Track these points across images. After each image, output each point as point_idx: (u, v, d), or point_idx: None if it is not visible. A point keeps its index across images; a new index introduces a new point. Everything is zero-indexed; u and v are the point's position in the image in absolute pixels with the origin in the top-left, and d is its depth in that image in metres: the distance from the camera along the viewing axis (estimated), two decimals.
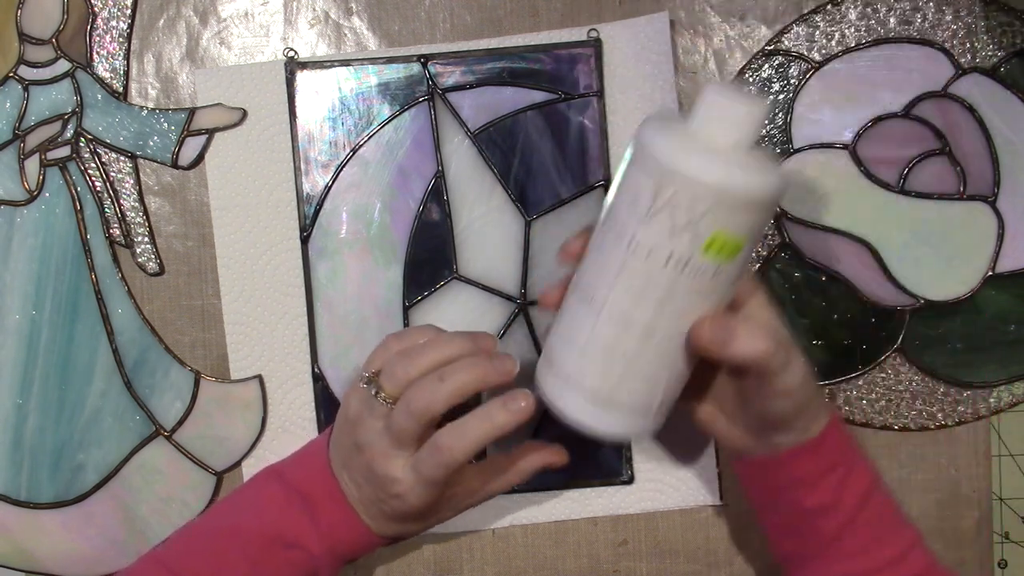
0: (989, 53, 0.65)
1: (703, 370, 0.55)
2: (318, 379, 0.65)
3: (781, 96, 0.65)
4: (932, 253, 0.65)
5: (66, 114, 0.64)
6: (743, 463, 0.58)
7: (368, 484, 0.56)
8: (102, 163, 0.64)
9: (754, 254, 0.65)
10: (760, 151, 0.50)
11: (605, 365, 0.50)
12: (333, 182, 0.64)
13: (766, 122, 0.65)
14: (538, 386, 0.53)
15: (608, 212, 0.50)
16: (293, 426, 0.65)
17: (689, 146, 0.47)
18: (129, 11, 0.64)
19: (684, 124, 0.49)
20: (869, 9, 0.65)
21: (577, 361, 0.51)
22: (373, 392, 0.54)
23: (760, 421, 0.55)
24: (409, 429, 0.53)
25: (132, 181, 0.64)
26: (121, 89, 0.64)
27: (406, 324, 0.65)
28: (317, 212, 0.64)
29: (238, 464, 0.65)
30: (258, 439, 0.65)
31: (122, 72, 0.64)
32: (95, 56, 0.64)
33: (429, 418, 0.53)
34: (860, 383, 0.66)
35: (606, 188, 0.64)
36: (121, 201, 0.64)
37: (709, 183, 0.46)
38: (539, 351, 0.61)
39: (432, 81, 0.64)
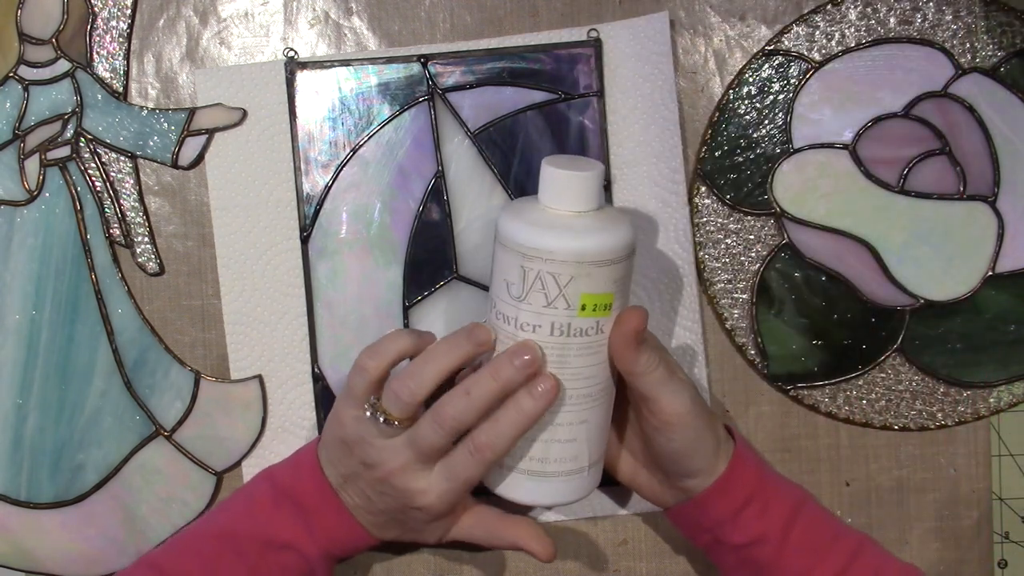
0: (989, 53, 0.65)
1: (616, 424, 0.59)
2: (318, 379, 0.65)
3: (781, 96, 0.65)
4: (932, 253, 0.65)
5: (66, 114, 0.64)
6: (671, 513, 0.60)
7: (383, 497, 0.56)
8: (102, 163, 0.64)
9: (754, 254, 0.65)
10: (608, 209, 0.55)
11: (526, 441, 0.55)
12: (333, 182, 0.64)
13: (774, 125, 0.65)
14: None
15: (491, 301, 0.55)
16: (293, 426, 0.65)
17: (541, 225, 0.52)
18: (129, 11, 0.64)
19: (535, 203, 0.54)
20: (869, 9, 0.65)
21: None
22: (381, 420, 0.54)
23: (665, 465, 0.58)
24: (440, 445, 0.54)
25: (132, 181, 0.64)
26: (121, 89, 0.64)
27: (406, 324, 0.65)
28: (317, 212, 0.64)
29: (238, 464, 0.65)
30: (258, 439, 0.65)
31: (122, 72, 0.64)
32: (95, 56, 0.64)
33: (460, 432, 0.53)
34: (860, 383, 0.66)
35: (606, 188, 0.64)
36: (121, 201, 0.64)
37: (564, 256, 0.51)
38: None
39: (432, 81, 0.64)
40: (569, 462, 0.56)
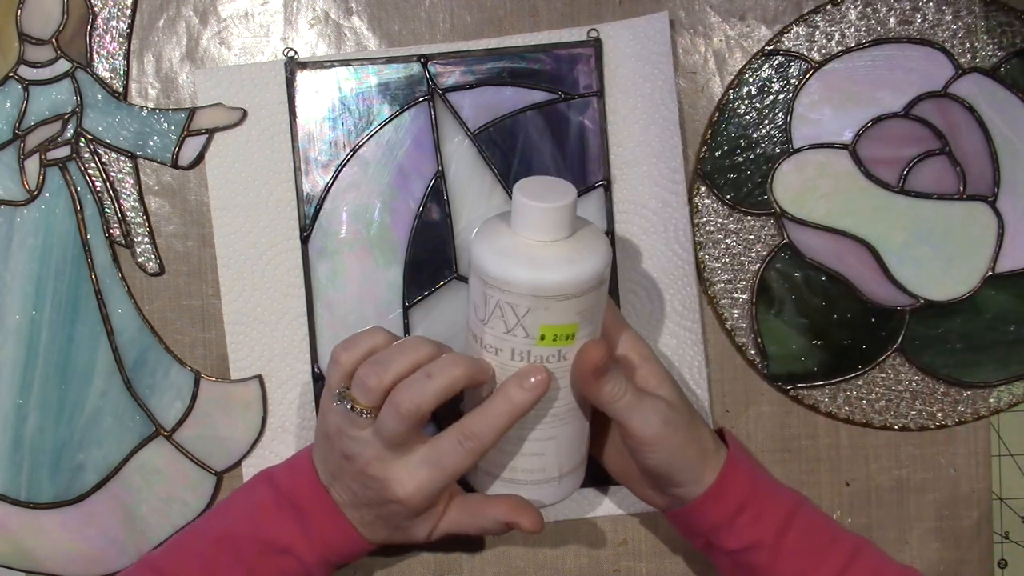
0: (989, 53, 0.65)
1: (605, 434, 0.60)
2: (318, 379, 0.65)
3: (781, 96, 0.65)
4: (932, 253, 0.65)
5: (66, 114, 0.64)
6: (668, 515, 0.60)
7: (364, 489, 0.56)
8: (102, 163, 0.64)
9: (754, 254, 0.65)
10: (583, 234, 0.52)
11: (496, 451, 0.55)
12: (333, 182, 0.64)
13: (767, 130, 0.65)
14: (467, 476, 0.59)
15: (467, 314, 0.54)
16: (293, 426, 0.65)
17: (503, 253, 0.51)
18: (129, 11, 0.64)
19: (506, 227, 0.52)
20: (869, 9, 0.65)
21: None
22: (348, 407, 0.54)
23: (649, 476, 0.58)
24: (399, 432, 0.53)
25: (132, 181, 0.64)
26: (121, 89, 0.64)
27: (406, 324, 0.65)
28: (317, 212, 0.64)
29: (238, 464, 0.65)
30: (258, 439, 0.65)
31: (122, 72, 0.64)
32: (95, 56, 0.64)
33: (419, 419, 0.53)
34: (860, 383, 0.66)
35: (606, 188, 0.64)
36: (121, 201, 0.64)
37: (520, 289, 0.50)
38: None
39: (432, 81, 0.64)
40: (537, 473, 0.56)
